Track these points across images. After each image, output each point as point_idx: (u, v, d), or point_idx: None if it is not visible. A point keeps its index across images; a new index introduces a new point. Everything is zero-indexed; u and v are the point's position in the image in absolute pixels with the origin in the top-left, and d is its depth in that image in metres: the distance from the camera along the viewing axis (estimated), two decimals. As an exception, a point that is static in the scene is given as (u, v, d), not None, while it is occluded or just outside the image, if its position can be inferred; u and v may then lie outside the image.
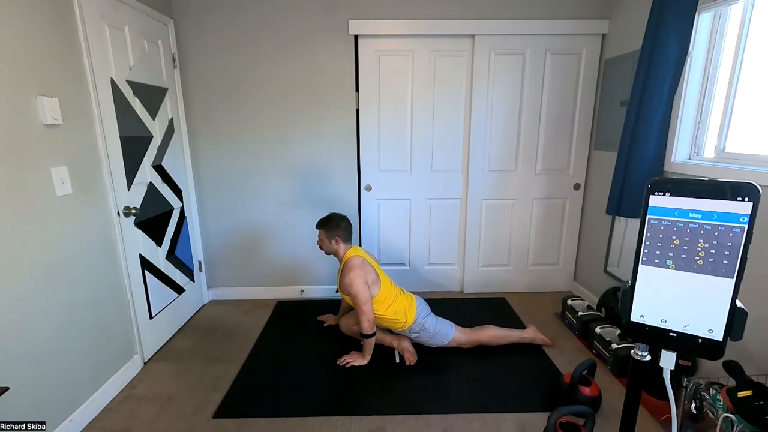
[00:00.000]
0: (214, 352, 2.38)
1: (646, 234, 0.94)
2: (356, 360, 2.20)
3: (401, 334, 2.32)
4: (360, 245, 2.99)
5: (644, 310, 0.97)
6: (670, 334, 0.94)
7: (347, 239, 2.30)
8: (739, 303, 0.88)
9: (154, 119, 2.38)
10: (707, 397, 1.62)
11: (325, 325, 2.65)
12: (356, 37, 2.71)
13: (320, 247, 2.34)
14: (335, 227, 2.27)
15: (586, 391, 1.83)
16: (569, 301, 2.65)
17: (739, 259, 0.85)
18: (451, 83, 2.81)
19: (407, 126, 2.87)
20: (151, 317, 2.33)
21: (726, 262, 0.86)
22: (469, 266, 3.13)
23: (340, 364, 2.19)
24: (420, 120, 2.86)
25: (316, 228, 2.32)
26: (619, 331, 2.24)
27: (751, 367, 1.69)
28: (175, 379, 2.13)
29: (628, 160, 2.27)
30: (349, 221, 2.34)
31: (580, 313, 2.49)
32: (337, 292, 2.34)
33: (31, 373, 1.54)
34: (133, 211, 2.13)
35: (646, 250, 0.94)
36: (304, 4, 2.64)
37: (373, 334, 2.18)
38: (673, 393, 1.06)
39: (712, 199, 0.86)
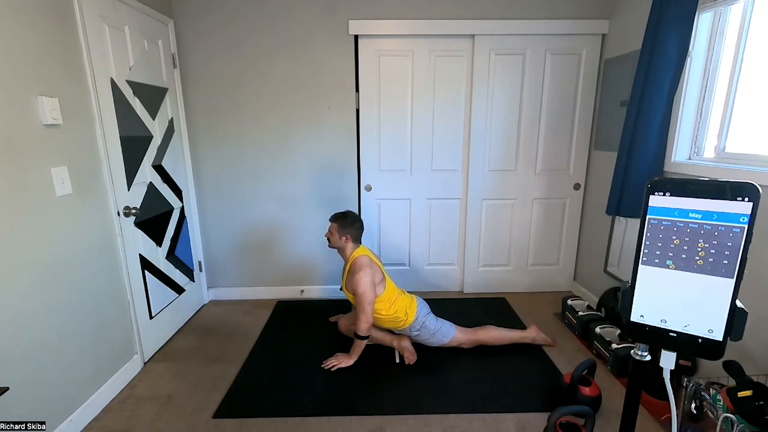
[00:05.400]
0: (214, 352, 2.38)
1: (646, 234, 0.94)
2: (342, 361, 2.19)
3: (402, 333, 2.32)
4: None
5: (644, 310, 0.97)
6: (670, 334, 0.94)
7: (357, 239, 2.29)
8: (739, 303, 0.88)
9: (154, 119, 2.38)
10: (707, 397, 1.62)
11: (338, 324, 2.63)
12: (356, 37, 2.71)
13: (328, 239, 2.31)
14: (350, 225, 2.26)
15: (586, 391, 1.83)
16: (569, 301, 2.65)
17: (739, 259, 0.85)
18: (451, 83, 2.81)
19: (407, 126, 2.87)
20: (151, 317, 2.33)
21: (726, 262, 0.86)
22: (469, 266, 3.13)
23: (325, 368, 2.17)
24: (420, 120, 2.86)
25: (330, 221, 2.30)
26: (619, 331, 2.23)
27: (751, 367, 1.69)
28: (175, 379, 2.13)
29: (628, 160, 2.27)
30: (362, 223, 2.33)
31: (580, 313, 2.49)
32: (341, 290, 2.34)
33: (31, 373, 1.54)
34: (133, 211, 2.13)
35: (646, 250, 0.94)
36: (304, 5, 2.64)
37: (366, 338, 2.18)
38: (673, 393, 1.06)
39: (712, 199, 0.86)
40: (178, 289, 2.66)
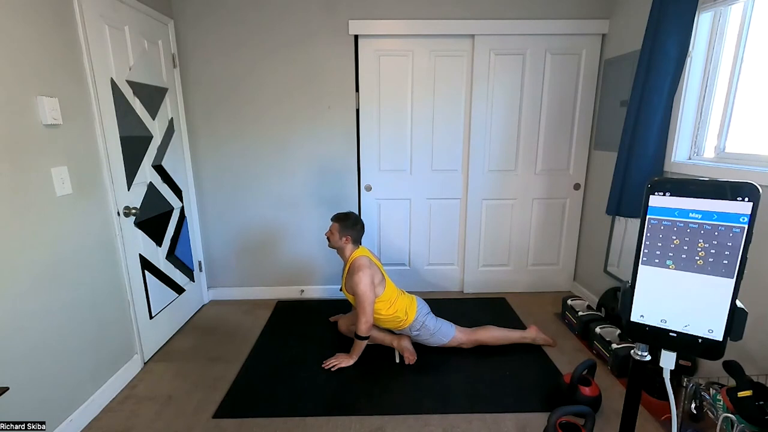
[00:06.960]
0: (214, 352, 2.38)
1: (646, 234, 0.94)
2: (343, 361, 2.19)
3: (402, 333, 2.32)
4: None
5: (644, 310, 0.97)
6: (670, 334, 0.94)
7: (357, 241, 2.29)
8: (739, 303, 0.88)
9: (154, 119, 2.38)
10: (707, 397, 1.62)
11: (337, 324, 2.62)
12: (356, 37, 2.71)
13: (328, 239, 2.31)
14: (351, 226, 2.25)
15: (586, 391, 1.83)
16: (569, 301, 2.65)
17: (739, 259, 0.85)
18: (451, 83, 2.81)
19: (407, 126, 2.87)
20: (151, 317, 2.33)
21: (726, 262, 0.86)
22: (469, 266, 3.13)
23: (326, 368, 2.18)
24: (420, 120, 2.86)
25: (332, 220, 2.30)
26: (619, 331, 2.23)
27: (751, 367, 1.69)
28: (175, 379, 2.13)
29: (628, 160, 2.27)
30: (363, 225, 2.33)
31: (580, 313, 2.49)
32: (340, 290, 2.34)
33: (31, 373, 1.54)
34: (133, 211, 2.13)
35: (646, 250, 0.94)
36: (304, 5, 2.64)
37: (367, 338, 2.18)
38: (673, 393, 1.06)
39: (712, 199, 0.86)
40: (178, 289, 2.66)
